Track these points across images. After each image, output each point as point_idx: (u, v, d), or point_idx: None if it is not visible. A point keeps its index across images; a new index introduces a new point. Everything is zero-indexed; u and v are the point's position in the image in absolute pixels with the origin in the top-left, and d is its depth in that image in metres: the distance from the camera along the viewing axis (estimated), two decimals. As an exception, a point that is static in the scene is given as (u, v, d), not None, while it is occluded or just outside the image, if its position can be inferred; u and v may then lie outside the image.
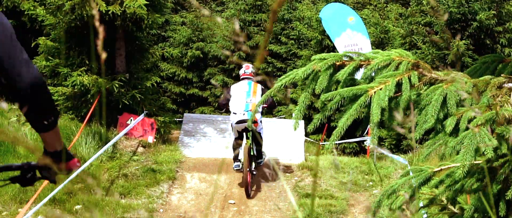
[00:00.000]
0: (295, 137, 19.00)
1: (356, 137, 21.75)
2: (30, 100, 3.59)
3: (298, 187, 15.44)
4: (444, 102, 3.50)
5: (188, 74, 33.82)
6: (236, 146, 15.35)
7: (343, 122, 3.47)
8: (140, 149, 16.72)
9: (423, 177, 4.07)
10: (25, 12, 19.63)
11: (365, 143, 20.56)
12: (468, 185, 4.01)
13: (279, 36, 33.19)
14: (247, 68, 16.16)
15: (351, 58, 3.69)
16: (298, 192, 15.07)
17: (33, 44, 18.59)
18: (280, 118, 28.06)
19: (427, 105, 3.54)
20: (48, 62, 17.42)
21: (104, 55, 2.05)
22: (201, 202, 14.46)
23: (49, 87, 17.36)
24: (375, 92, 3.50)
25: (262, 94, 15.33)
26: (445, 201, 5.16)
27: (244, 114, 14.90)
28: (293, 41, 32.60)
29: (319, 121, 3.67)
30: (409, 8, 26.54)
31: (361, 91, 3.52)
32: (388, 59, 3.66)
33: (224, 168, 16.58)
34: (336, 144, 25.19)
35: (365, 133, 18.56)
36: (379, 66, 3.65)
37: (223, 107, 15.74)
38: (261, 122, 15.44)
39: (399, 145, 23.53)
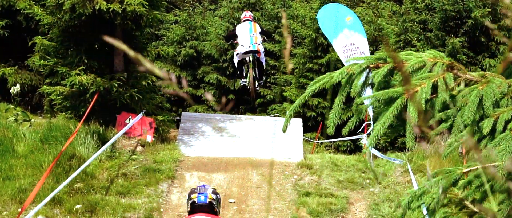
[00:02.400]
0: (293, 136, 18.98)
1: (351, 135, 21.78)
2: None
3: (297, 186, 15.45)
4: (480, 103, 3.49)
5: (181, 73, 33.73)
6: (240, 67, 20.95)
7: (381, 125, 3.45)
8: (139, 148, 16.66)
9: (452, 178, 4.06)
10: (21, 11, 19.58)
11: (361, 141, 20.55)
12: (497, 186, 4.00)
13: (273, 35, 33.11)
14: (247, 12, 22.39)
15: (385, 61, 3.68)
16: (298, 191, 15.08)
17: (30, 44, 18.52)
18: (274, 116, 28.04)
19: (463, 106, 3.53)
20: (46, 62, 17.34)
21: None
22: (201, 201, 14.45)
23: (47, 87, 17.41)
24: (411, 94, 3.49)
25: (260, 31, 20.69)
26: (467, 203, 5.16)
27: (250, 46, 20.06)
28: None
29: (354, 124, 3.66)
30: (403, 6, 26.58)
31: (397, 94, 3.51)
32: (422, 61, 3.65)
33: (223, 166, 16.56)
34: (330, 142, 25.20)
35: (360, 130, 18.55)
36: (414, 68, 3.64)
37: (229, 40, 22.09)
38: (263, 52, 20.62)
39: (394, 143, 23.56)
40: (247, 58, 20.54)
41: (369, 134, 17.85)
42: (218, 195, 8.00)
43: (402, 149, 21.08)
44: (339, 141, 25.14)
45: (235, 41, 20.80)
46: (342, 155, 19.83)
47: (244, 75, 21.23)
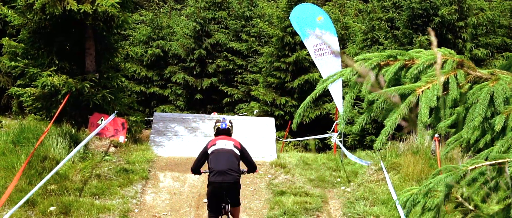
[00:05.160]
0: (266, 135, 19.05)
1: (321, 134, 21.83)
2: (254, 170, 12.20)
3: (272, 185, 15.47)
4: (491, 100, 3.51)
5: (148, 73, 33.72)
6: None
7: (392, 121, 3.45)
8: (112, 149, 16.60)
9: (457, 175, 4.07)
10: (-11, 13, 19.40)
11: (331, 139, 20.62)
12: (503, 182, 4.01)
13: (240, 34, 33.19)
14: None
15: (396, 58, 3.69)
16: (272, 190, 15.09)
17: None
18: (242, 115, 28.12)
19: (474, 104, 3.55)
20: (16, 63, 17.16)
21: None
22: (175, 201, 14.43)
23: (18, 88, 17.25)
24: (422, 91, 3.49)
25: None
26: (462, 200, 5.18)
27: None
28: (253, 38, 32.61)
29: (365, 121, 3.65)
30: (370, 4, 26.69)
31: (408, 91, 3.51)
32: (432, 58, 3.65)
33: (197, 166, 16.56)
34: (299, 140, 25.29)
35: (331, 130, 18.61)
36: (424, 65, 3.64)
37: None
38: None
39: (362, 141, 23.67)
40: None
41: (339, 134, 17.91)
42: (232, 123, 12.74)
43: (372, 147, 21.18)
44: (307, 139, 25.24)
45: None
46: (312, 154, 19.88)
47: None
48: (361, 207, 13.92)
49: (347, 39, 29.78)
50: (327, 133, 22.01)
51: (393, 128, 3.54)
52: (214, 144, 12.08)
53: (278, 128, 25.88)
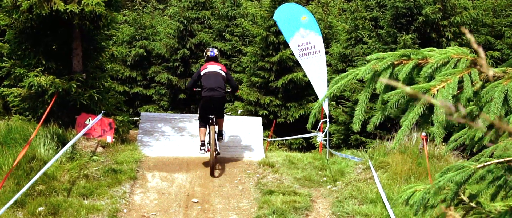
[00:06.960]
0: (254, 135, 19.06)
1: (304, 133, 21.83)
2: (236, 90, 16.83)
3: (260, 184, 15.46)
4: (505, 99, 3.53)
5: (132, 73, 33.66)
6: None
7: (409, 121, 3.47)
8: (100, 149, 16.55)
9: (466, 174, 4.09)
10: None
11: (317, 138, 20.59)
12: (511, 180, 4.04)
13: (224, 33, 33.15)
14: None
15: (409, 57, 3.70)
16: (261, 189, 15.08)
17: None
18: (226, 114, 28.08)
19: (488, 102, 3.57)
20: (3, 63, 17.06)
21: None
22: (164, 201, 14.39)
23: (4, 89, 17.15)
24: (437, 90, 3.51)
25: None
26: (464, 198, 5.22)
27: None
28: (237, 38, 32.59)
29: (379, 120, 3.66)
30: (354, 3, 26.72)
31: (423, 90, 3.53)
32: (446, 57, 3.67)
33: (185, 166, 16.53)
34: (283, 140, 25.28)
35: (317, 129, 18.60)
36: (438, 65, 3.66)
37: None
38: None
39: (347, 140, 23.69)
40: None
41: (325, 134, 17.90)
42: (218, 52, 16.79)
43: (357, 146, 21.21)
44: (292, 139, 25.24)
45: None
46: (298, 153, 19.87)
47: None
48: (350, 206, 13.94)
49: (330, 38, 29.83)
50: (312, 132, 22.04)
51: (409, 128, 3.55)
52: (206, 68, 16.27)
53: (263, 127, 25.87)
